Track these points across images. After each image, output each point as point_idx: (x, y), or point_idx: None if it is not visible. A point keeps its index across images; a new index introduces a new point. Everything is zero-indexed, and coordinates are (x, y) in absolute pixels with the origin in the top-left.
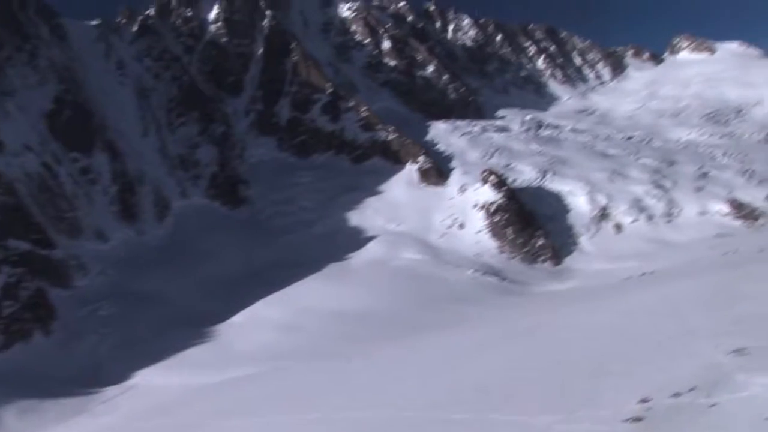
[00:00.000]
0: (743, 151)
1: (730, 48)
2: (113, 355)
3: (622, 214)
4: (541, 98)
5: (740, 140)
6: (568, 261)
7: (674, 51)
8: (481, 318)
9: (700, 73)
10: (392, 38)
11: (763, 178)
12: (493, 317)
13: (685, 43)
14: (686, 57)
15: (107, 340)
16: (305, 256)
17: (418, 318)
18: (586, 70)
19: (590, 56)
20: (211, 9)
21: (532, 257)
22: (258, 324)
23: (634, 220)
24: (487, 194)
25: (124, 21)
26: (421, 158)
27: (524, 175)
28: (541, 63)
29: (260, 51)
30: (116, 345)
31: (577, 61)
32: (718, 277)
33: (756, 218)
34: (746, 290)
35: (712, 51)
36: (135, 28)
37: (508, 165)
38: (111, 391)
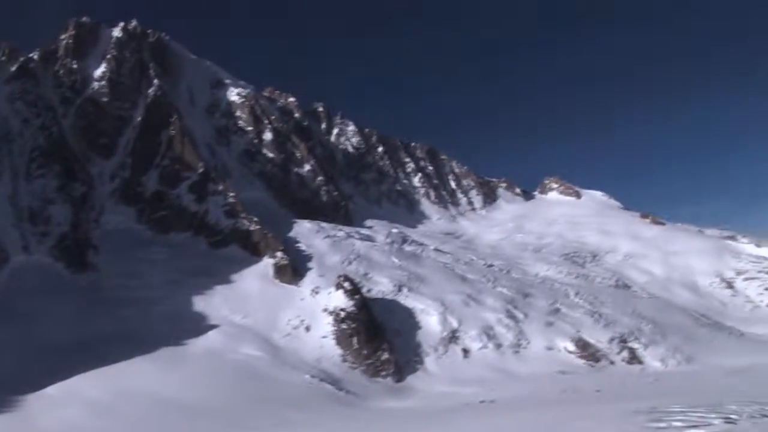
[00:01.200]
0: (594, 294)
1: (594, 196)
2: None
3: (471, 339)
4: (412, 215)
5: (593, 283)
6: (411, 379)
7: (544, 190)
8: (306, 425)
9: (564, 215)
10: (275, 131)
11: (609, 322)
12: (319, 426)
13: (554, 185)
14: (554, 197)
15: None
16: (140, 335)
17: (241, 417)
18: (460, 195)
19: (465, 182)
20: (98, 66)
21: (374, 370)
22: (71, 399)
23: (483, 347)
24: (339, 300)
25: (3, 58)
26: (279, 254)
27: (380, 286)
28: (417, 181)
29: (139, 118)
30: None
31: (452, 184)
32: (552, 414)
33: (598, 359)
34: (575, 429)
35: (578, 196)
36: (14, 67)
37: (365, 274)
38: None
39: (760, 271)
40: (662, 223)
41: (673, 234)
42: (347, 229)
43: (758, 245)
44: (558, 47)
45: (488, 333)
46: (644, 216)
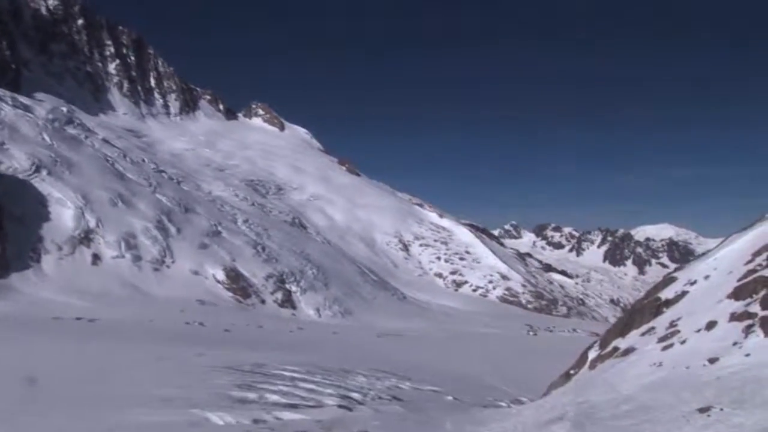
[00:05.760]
0: (264, 226)
1: (298, 132)
2: None
3: (107, 244)
4: (96, 102)
5: (268, 215)
6: (16, 278)
7: (249, 114)
8: None
9: (261, 142)
10: None
11: (271, 257)
12: None
13: (261, 111)
14: (257, 123)
15: None
16: None
17: None
18: (157, 96)
19: (167, 84)
20: None
21: None
22: None
23: (119, 256)
24: None
25: None
26: None
27: (15, 162)
28: (113, 68)
29: None
30: None
31: (153, 82)
32: (140, 349)
33: (248, 295)
34: (126, 372)
35: (282, 128)
36: None
37: (2, 144)
38: None
39: (436, 240)
40: (357, 174)
41: (366, 187)
42: (3, 92)
43: (441, 216)
44: None
45: (129, 242)
46: (342, 162)
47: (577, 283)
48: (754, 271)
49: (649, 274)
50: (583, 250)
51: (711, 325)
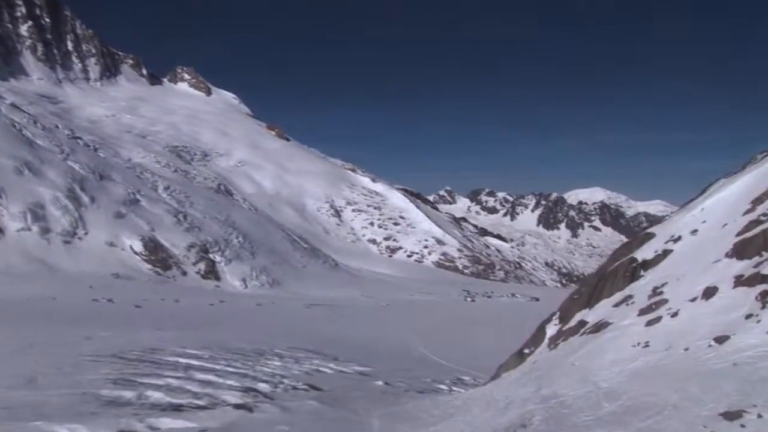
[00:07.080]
0: (187, 193)
1: (226, 96)
2: None
3: (11, 217)
4: (6, 66)
5: (192, 182)
6: None
7: (174, 79)
8: None
9: (187, 107)
10: None
11: (194, 226)
12: None
13: (187, 76)
14: (182, 88)
15: None
16: None
17: None
18: (75, 60)
19: (86, 47)
20: None
21: None
22: None
23: (24, 229)
24: None
25: None
26: None
27: None
28: (25, 30)
29: None
30: None
31: (70, 45)
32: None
33: (168, 267)
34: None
35: (208, 92)
36: None
37: None
38: None
39: (369, 205)
40: (287, 139)
41: (296, 152)
42: None
43: (374, 180)
44: None
45: (37, 213)
46: (270, 127)
47: (512, 247)
48: (758, 222)
49: (581, 237)
50: (518, 214)
51: (710, 292)
